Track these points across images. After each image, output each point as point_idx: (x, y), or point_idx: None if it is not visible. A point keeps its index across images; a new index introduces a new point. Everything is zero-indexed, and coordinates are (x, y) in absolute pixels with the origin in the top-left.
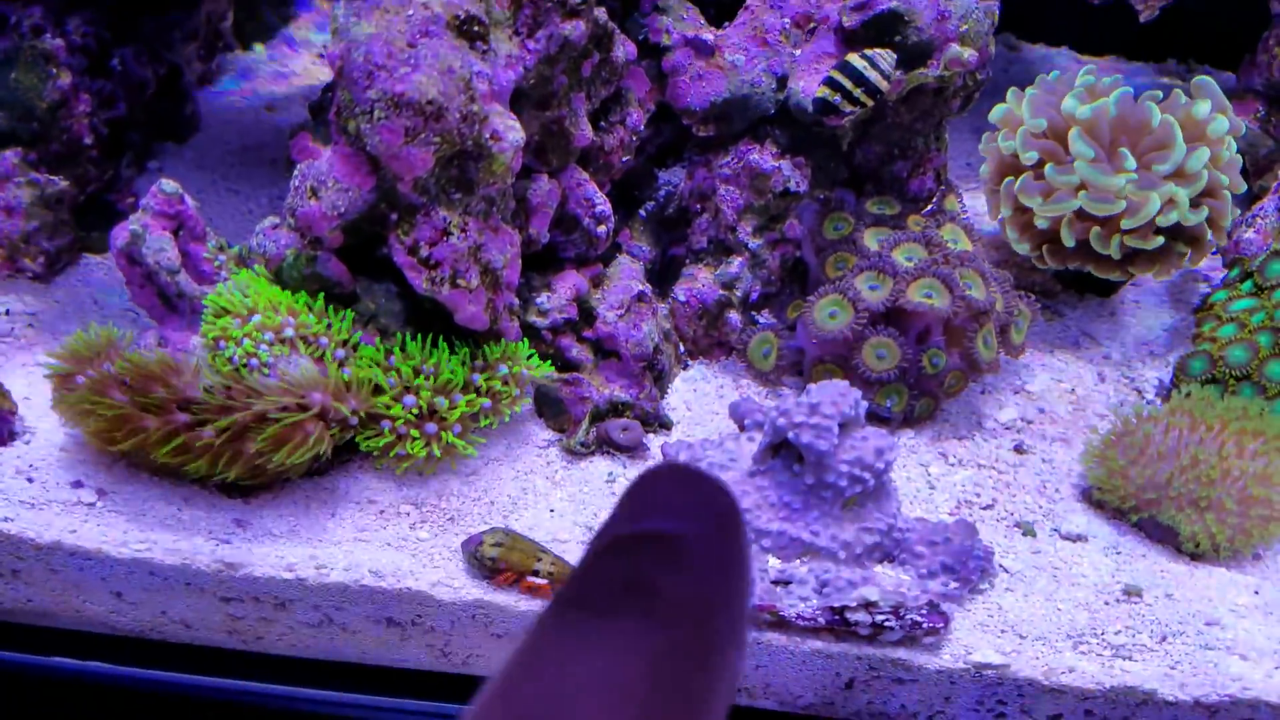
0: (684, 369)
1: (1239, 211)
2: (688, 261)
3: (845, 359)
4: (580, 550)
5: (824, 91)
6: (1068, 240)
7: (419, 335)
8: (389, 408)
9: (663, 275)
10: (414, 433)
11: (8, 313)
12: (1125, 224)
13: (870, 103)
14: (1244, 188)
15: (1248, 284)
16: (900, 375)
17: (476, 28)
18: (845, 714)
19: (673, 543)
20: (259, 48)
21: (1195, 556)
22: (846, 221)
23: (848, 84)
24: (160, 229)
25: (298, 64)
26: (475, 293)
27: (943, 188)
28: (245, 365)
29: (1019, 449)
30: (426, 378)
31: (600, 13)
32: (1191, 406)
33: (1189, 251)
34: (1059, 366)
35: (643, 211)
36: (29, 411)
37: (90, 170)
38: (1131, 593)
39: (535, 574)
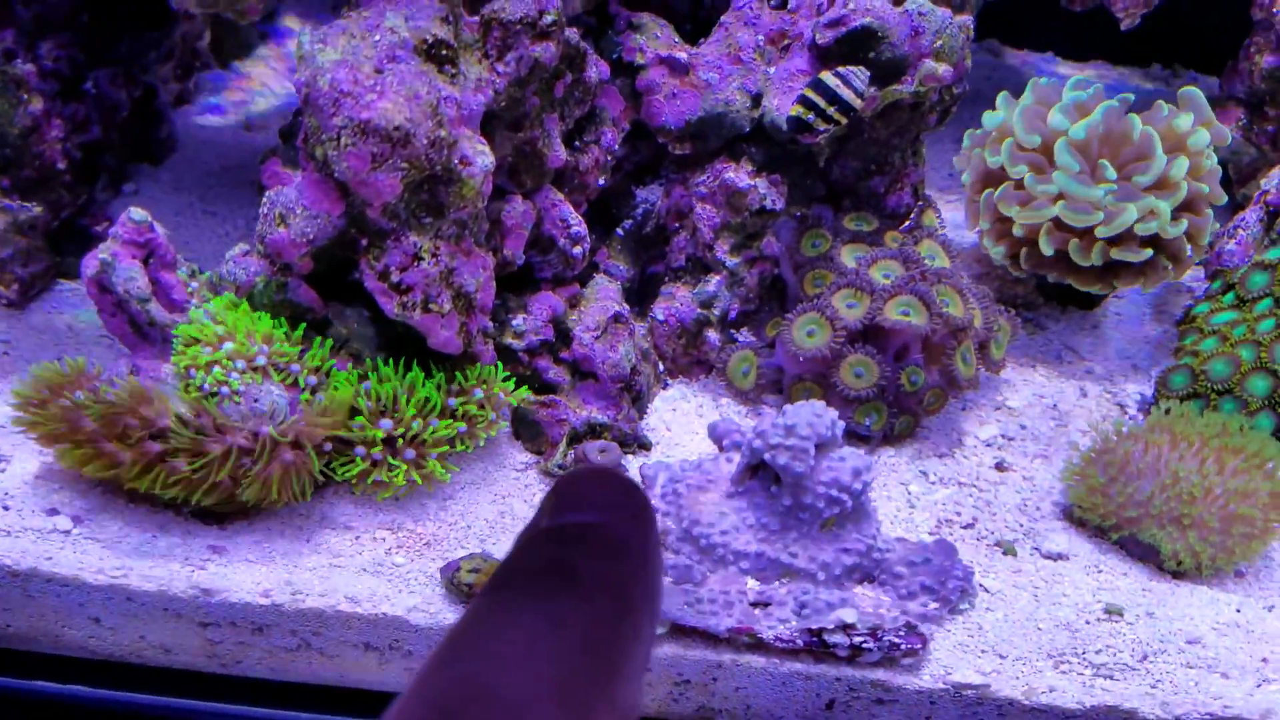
0: (663, 388)
1: (1218, 226)
2: (666, 280)
3: (824, 377)
4: None
5: (798, 110)
6: (1045, 249)
7: (392, 360)
8: (364, 434)
9: (641, 293)
10: (390, 459)
11: None
12: (1101, 232)
13: (844, 120)
14: (1224, 199)
15: (1230, 296)
16: (879, 393)
17: (445, 51)
18: None
19: (592, 530)
20: (237, 66)
21: (1177, 575)
22: (824, 238)
23: (821, 102)
24: (130, 257)
25: (277, 82)
26: (448, 317)
27: (920, 203)
28: (215, 393)
29: (1000, 466)
30: (401, 403)
31: (572, 33)
32: (1171, 423)
33: (1170, 264)
34: (1040, 381)
35: (620, 230)
36: (3, 440)
37: (64, 195)
38: (1113, 612)
39: None
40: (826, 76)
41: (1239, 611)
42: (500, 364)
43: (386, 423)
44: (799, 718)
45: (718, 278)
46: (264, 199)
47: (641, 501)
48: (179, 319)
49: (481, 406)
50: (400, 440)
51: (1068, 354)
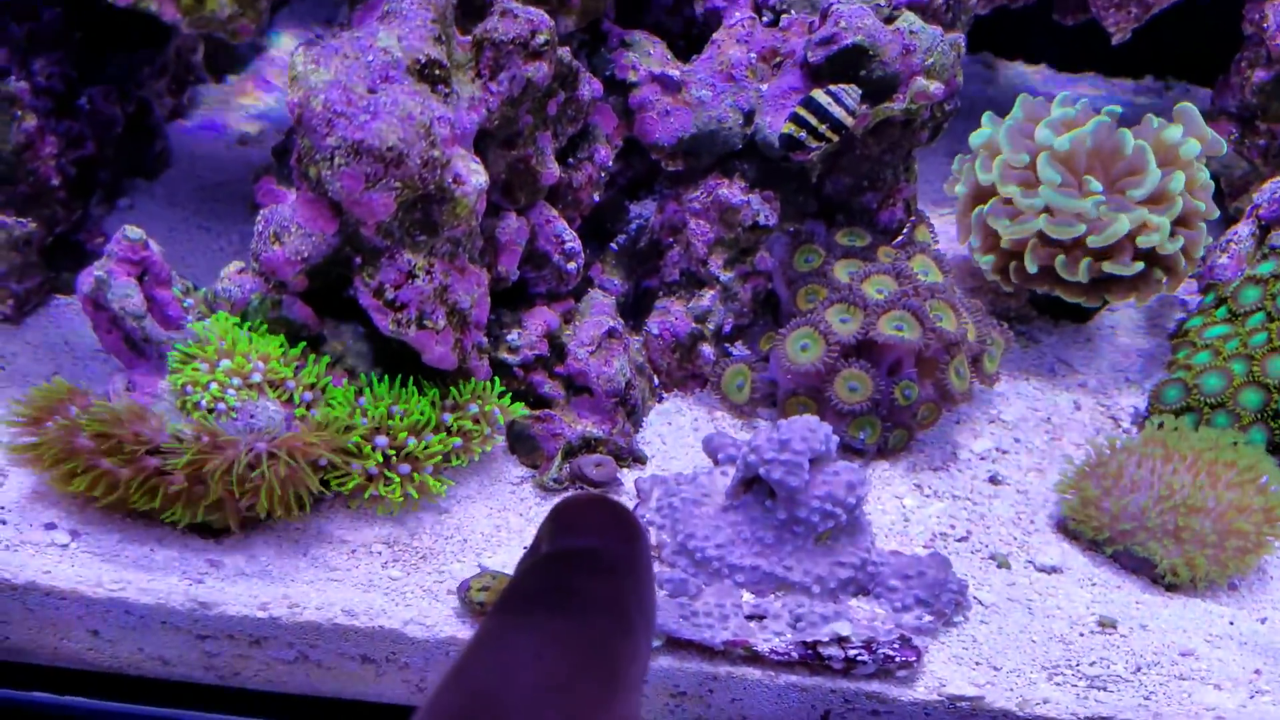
0: (659, 401)
1: (1211, 239)
2: (660, 294)
3: (818, 391)
4: None
5: (789, 128)
6: (1030, 266)
7: (387, 376)
8: (359, 449)
9: (635, 308)
10: (387, 474)
11: None
12: (1092, 242)
13: (836, 138)
14: (1217, 213)
15: (1222, 310)
16: (873, 407)
17: (438, 71)
18: None
19: (590, 554)
20: (231, 80)
21: (1171, 587)
22: (817, 254)
23: (813, 120)
24: (125, 275)
25: (271, 96)
26: (443, 333)
27: (913, 218)
28: (212, 410)
29: (994, 480)
30: (396, 418)
31: (564, 52)
32: (1165, 437)
33: (1165, 277)
34: (1034, 394)
35: (614, 245)
36: (0, 455)
37: (58, 211)
38: (1106, 624)
39: None
40: (818, 94)
41: (1232, 624)
42: (496, 379)
43: (382, 439)
44: None
45: (712, 292)
46: (259, 217)
47: (634, 525)
48: (174, 336)
49: (476, 421)
50: (395, 455)
51: (1061, 367)
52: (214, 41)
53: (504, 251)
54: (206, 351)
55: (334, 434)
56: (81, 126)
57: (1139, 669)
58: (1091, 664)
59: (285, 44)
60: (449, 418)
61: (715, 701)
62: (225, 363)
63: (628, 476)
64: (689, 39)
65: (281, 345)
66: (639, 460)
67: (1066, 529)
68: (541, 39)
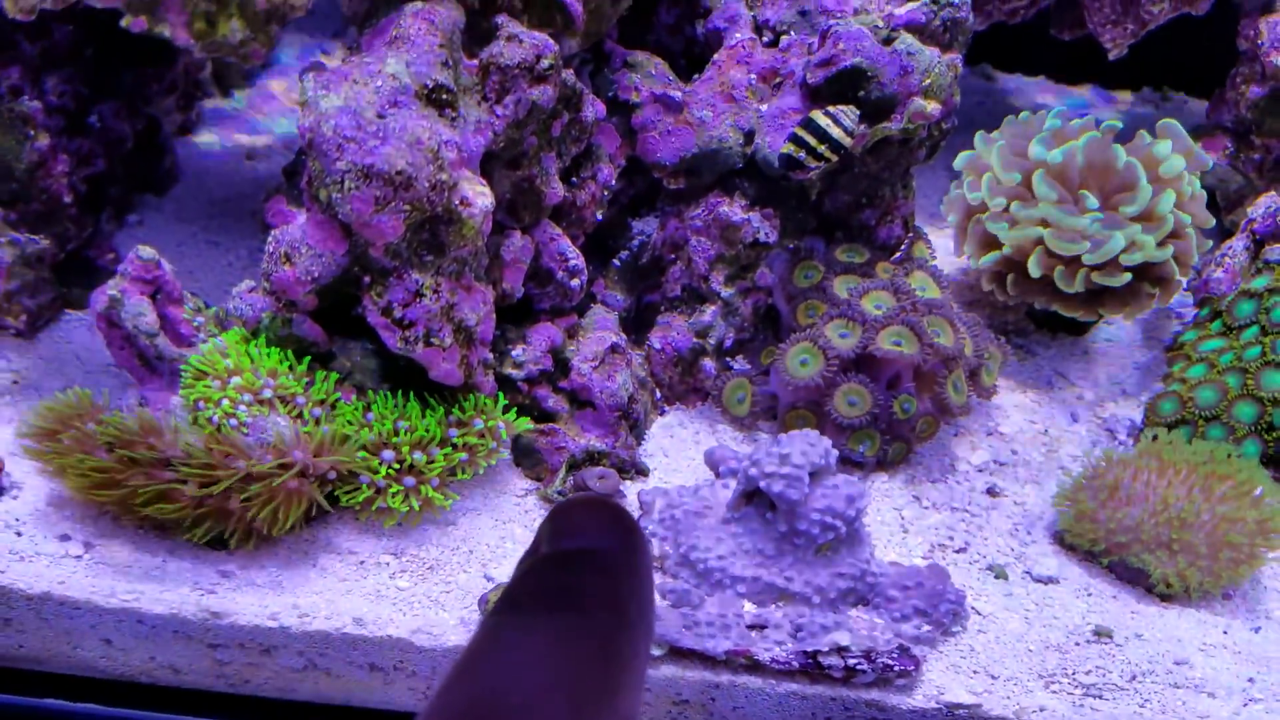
0: (661, 415)
1: (1210, 243)
2: (662, 309)
3: (818, 405)
4: None
5: (789, 148)
6: (1034, 270)
7: (395, 391)
8: (367, 463)
9: (638, 323)
10: (394, 487)
11: None
12: (1087, 259)
13: (835, 158)
14: (1211, 222)
15: (1217, 324)
16: (872, 421)
17: (445, 96)
18: None
19: (589, 556)
20: (239, 95)
21: (1165, 598)
22: (816, 270)
23: (812, 140)
24: (138, 293)
25: (278, 112)
26: (449, 350)
27: (911, 235)
28: (225, 425)
29: (992, 491)
30: (402, 433)
31: (568, 74)
32: (1160, 450)
33: (1157, 292)
34: (1031, 407)
35: (617, 261)
36: (15, 467)
37: (70, 228)
38: (1102, 634)
39: None
40: (817, 115)
41: (1226, 633)
42: (500, 394)
43: (388, 454)
44: None
45: (713, 308)
46: (270, 238)
47: (631, 526)
48: (186, 353)
49: (481, 436)
50: (400, 468)
51: (1058, 380)
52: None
53: (509, 269)
54: (218, 368)
55: (341, 451)
56: (92, 144)
57: (1134, 678)
58: (1087, 673)
59: (290, 60)
60: (455, 433)
61: (717, 710)
62: (236, 379)
63: (631, 489)
64: (690, 59)
65: (289, 363)
66: (642, 473)
67: (1063, 540)
68: (546, 63)
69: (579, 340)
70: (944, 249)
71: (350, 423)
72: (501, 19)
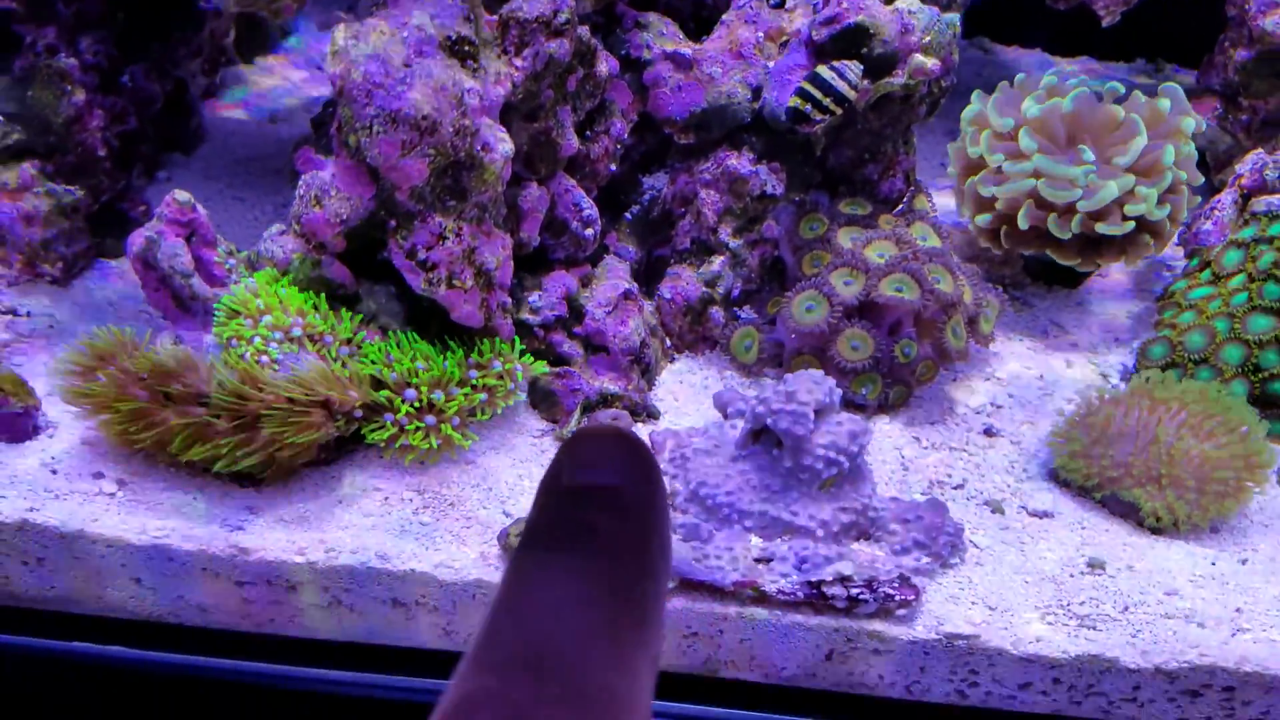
0: (670, 362)
1: (1199, 200)
2: (672, 261)
3: (822, 351)
4: None
5: (796, 101)
6: (1023, 223)
7: (418, 334)
8: (390, 402)
9: (648, 275)
10: (415, 424)
11: (29, 314)
12: (1082, 206)
13: (839, 111)
14: (1201, 180)
15: (1206, 273)
16: (874, 365)
17: (467, 47)
18: (827, 685)
19: (613, 493)
20: (260, 61)
21: (1156, 531)
22: (821, 222)
23: (818, 94)
24: (174, 235)
25: (297, 76)
26: (470, 292)
27: (912, 188)
28: (256, 362)
29: (989, 432)
30: (424, 374)
31: (584, 31)
32: (1151, 389)
33: (1153, 240)
34: (1028, 354)
35: (628, 215)
36: (51, 407)
37: (104, 180)
38: (1095, 565)
39: None
40: (823, 70)
41: (1214, 565)
42: (517, 338)
43: (411, 392)
44: (800, 668)
45: (721, 259)
46: (300, 182)
47: (653, 464)
48: (219, 293)
49: (500, 378)
50: (421, 406)
51: (1053, 329)
52: (244, 26)
53: (526, 219)
54: (250, 307)
55: (367, 386)
56: (124, 102)
57: (1126, 608)
58: (1082, 603)
59: (309, 28)
60: (475, 374)
61: (725, 642)
62: (268, 318)
63: (642, 430)
64: (699, 21)
65: (314, 303)
66: (653, 416)
67: (1057, 477)
68: (563, 18)
69: (593, 288)
70: (943, 208)
71: (374, 362)
72: None
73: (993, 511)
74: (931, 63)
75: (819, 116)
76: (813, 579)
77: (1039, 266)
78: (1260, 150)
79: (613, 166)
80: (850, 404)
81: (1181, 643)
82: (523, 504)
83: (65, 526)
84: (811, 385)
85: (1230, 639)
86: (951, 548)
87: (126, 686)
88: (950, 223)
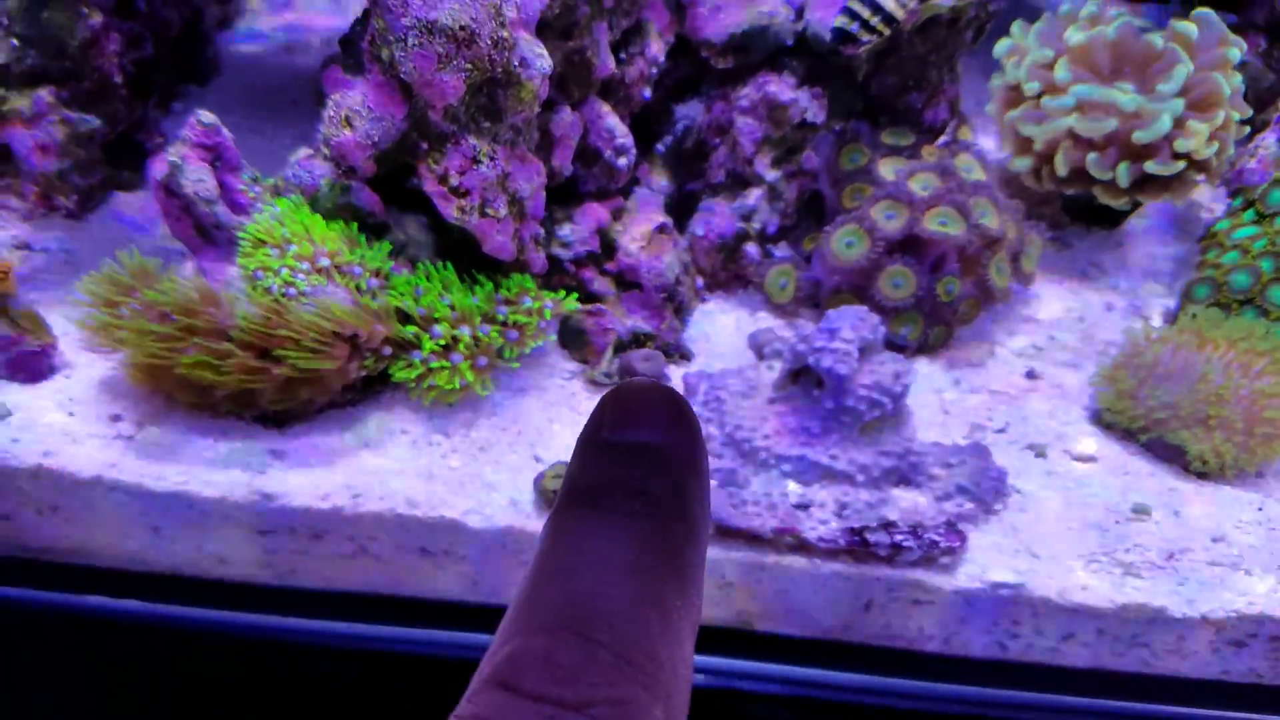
0: (702, 302)
1: (1247, 130)
2: (705, 195)
3: (862, 288)
4: None
5: (842, 20)
6: (1061, 169)
7: (447, 266)
8: (418, 336)
9: (680, 210)
10: (442, 362)
11: (45, 251)
12: (1138, 137)
13: (887, 31)
14: (1249, 112)
15: (1250, 213)
16: (916, 304)
17: None
18: (863, 637)
19: (658, 452)
20: None
21: (1201, 475)
22: (863, 153)
23: (865, 13)
24: (198, 160)
25: (313, 6)
26: (503, 222)
27: (956, 119)
28: (283, 294)
29: (1030, 375)
30: (447, 308)
31: None
32: (1199, 327)
33: (1201, 175)
34: (1068, 296)
35: (660, 146)
36: (68, 346)
37: (120, 109)
38: (1140, 511)
39: None
40: None
41: (1260, 510)
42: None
43: (438, 329)
44: (837, 619)
45: (758, 191)
46: (329, 102)
47: (694, 422)
48: (244, 221)
49: (529, 315)
50: (451, 343)
51: (1093, 270)
52: None
53: (558, 145)
54: (276, 236)
55: (393, 320)
56: (141, 28)
57: (1172, 555)
58: (1126, 551)
59: None
60: (504, 310)
61: (761, 592)
62: (295, 247)
63: (675, 372)
64: None
65: (342, 232)
66: (685, 357)
67: (1101, 420)
68: None
69: (624, 222)
70: (987, 148)
71: (402, 295)
72: None
73: (1036, 456)
74: None
75: (866, 37)
76: (854, 525)
77: (1078, 206)
78: None
79: (647, 92)
80: (890, 344)
81: (1229, 589)
82: (553, 449)
83: (83, 472)
84: (857, 321)
85: (1278, 586)
86: (995, 493)
87: (143, 641)
88: (992, 159)
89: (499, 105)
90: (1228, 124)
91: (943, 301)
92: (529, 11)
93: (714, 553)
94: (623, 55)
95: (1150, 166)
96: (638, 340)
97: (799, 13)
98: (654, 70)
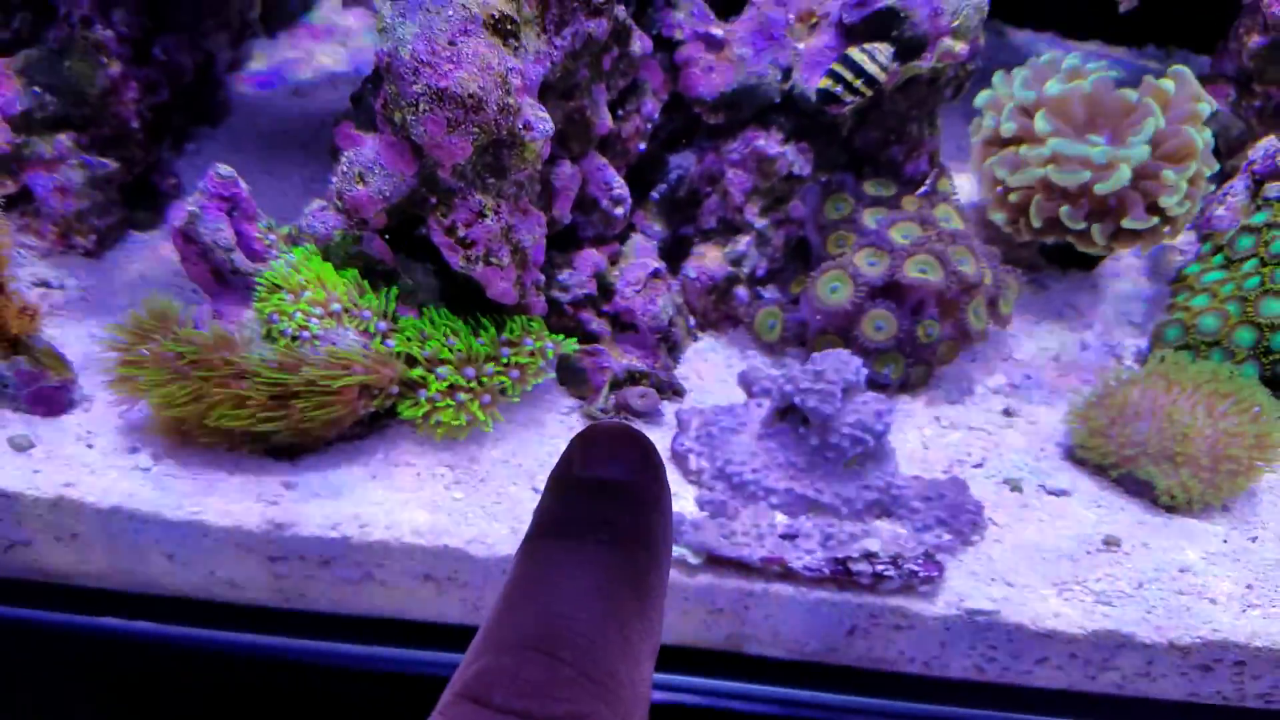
0: (695, 341)
1: (1212, 187)
2: (697, 240)
3: (846, 330)
4: None
5: (826, 83)
6: (1035, 220)
7: (453, 311)
8: (424, 378)
9: (674, 253)
10: (447, 401)
11: (64, 288)
12: (1098, 189)
13: (869, 93)
14: (1216, 167)
15: (1219, 257)
16: (897, 345)
17: (509, 26)
18: (848, 660)
19: (625, 488)
20: (282, 34)
21: (1170, 508)
22: (847, 202)
23: (848, 75)
24: (216, 210)
25: (318, 50)
26: (506, 270)
27: (936, 170)
28: (297, 337)
29: (1007, 412)
30: (457, 348)
31: (620, 10)
32: (1166, 370)
33: (1168, 227)
34: (1044, 336)
35: (655, 194)
36: (86, 381)
37: (136, 153)
38: (1111, 543)
39: None
40: (854, 52)
41: (1225, 542)
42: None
43: (444, 370)
44: (822, 644)
45: (747, 238)
46: (342, 158)
47: (660, 464)
48: (260, 268)
49: (531, 355)
50: (456, 383)
51: (1069, 311)
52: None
53: (559, 196)
54: (291, 282)
55: (402, 362)
56: (157, 74)
57: (1141, 585)
58: (1098, 580)
59: (331, 3)
60: (507, 352)
61: (750, 618)
62: (309, 293)
63: (668, 408)
64: (728, 1)
65: (355, 279)
66: (678, 393)
67: (1074, 456)
68: None
69: (621, 266)
70: (965, 191)
71: (410, 339)
72: None
73: (1012, 489)
74: (960, 46)
75: (849, 98)
76: (839, 555)
77: (1054, 250)
78: (1273, 136)
79: (643, 145)
80: (872, 383)
81: (1195, 618)
82: None
83: (102, 502)
84: (839, 364)
85: (1241, 615)
86: (972, 525)
87: (155, 662)
88: (969, 204)
89: (504, 164)
90: (1199, 177)
91: (923, 343)
92: (531, 78)
93: (705, 579)
94: (620, 112)
95: (1126, 222)
96: (633, 378)
97: (786, 73)
98: (649, 125)
